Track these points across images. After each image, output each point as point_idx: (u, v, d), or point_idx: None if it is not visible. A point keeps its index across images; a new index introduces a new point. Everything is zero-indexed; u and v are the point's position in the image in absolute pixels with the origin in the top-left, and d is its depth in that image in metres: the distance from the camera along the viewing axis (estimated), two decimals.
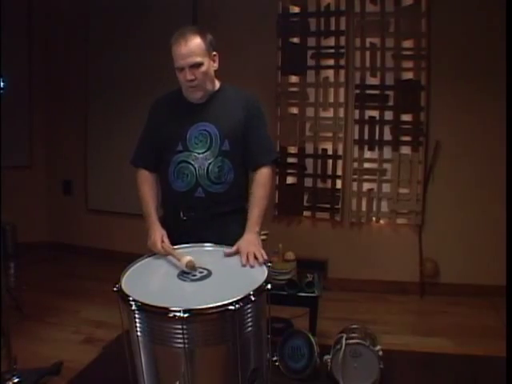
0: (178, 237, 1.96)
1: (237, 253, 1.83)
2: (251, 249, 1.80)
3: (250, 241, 1.87)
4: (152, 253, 1.88)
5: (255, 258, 1.77)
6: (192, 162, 1.97)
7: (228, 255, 1.84)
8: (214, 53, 1.99)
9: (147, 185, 2.09)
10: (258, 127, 2.05)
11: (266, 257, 1.79)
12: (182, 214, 2.02)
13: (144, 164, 2.12)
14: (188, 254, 1.75)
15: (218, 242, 1.93)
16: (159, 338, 1.49)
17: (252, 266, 1.74)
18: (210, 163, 1.96)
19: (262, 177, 2.02)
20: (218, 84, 2.07)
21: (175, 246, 1.89)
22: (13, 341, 2.40)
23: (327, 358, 2.49)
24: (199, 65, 1.90)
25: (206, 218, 1.99)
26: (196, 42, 1.90)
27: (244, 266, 1.75)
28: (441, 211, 3.82)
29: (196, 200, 1.98)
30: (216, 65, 2.01)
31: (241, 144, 2.01)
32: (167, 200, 2.11)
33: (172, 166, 2.01)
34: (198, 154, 1.97)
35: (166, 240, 1.91)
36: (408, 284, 3.88)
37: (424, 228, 3.86)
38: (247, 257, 1.77)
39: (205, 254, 1.85)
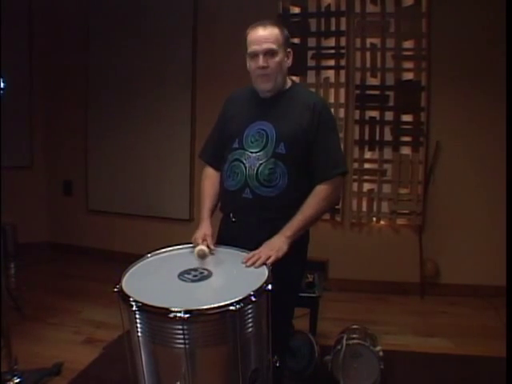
0: (229, 239, 1.92)
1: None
2: (263, 251, 1.74)
3: (271, 243, 1.78)
4: (153, 253, 1.88)
5: (258, 259, 1.71)
6: (244, 161, 1.89)
7: None
8: (289, 50, 1.92)
9: (208, 181, 2.06)
10: (324, 137, 1.89)
11: (268, 262, 1.70)
12: (231, 215, 1.95)
13: (208, 159, 2.10)
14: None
15: None
16: (160, 339, 1.49)
17: (247, 266, 1.70)
18: (260, 164, 1.86)
19: (320, 189, 1.87)
20: (289, 83, 1.98)
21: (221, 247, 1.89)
22: (13, 341, 2.40)
23: (328, 358, 2.48)
24: (274, 53, 1.84)
25: (254, 221, 1.89)
26: (274, 31, 1.85)
27: (243, 263, 1.72)
28: (441, 212, 3.83)
29: (243, 201, 1.88)
30: (289, 62, 1.93)
31: (301, 149, 1.88)
32: (221, 199, 2.03)
33: (227, 164, 1.95)
34: (252, 153, 1.88)
35: (209, 239, 1.86)
36: (408, 284, 3.88)
37: (424, 228, 3.86)
38: (253, 255, 1.73)
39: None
